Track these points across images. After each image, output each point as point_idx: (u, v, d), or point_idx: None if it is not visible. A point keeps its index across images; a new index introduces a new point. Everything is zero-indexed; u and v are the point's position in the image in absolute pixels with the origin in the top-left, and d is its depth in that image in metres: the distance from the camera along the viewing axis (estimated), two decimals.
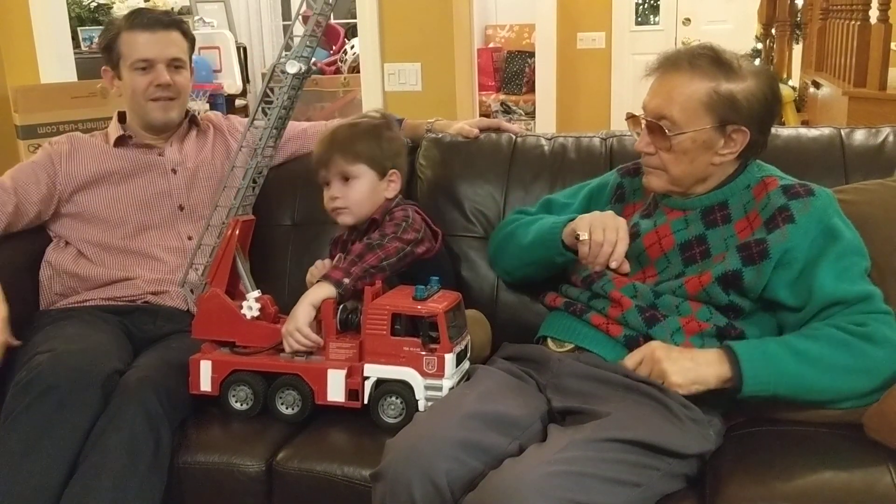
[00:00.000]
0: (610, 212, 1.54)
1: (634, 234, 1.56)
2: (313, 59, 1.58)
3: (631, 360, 1.42)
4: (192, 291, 1.73)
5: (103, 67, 1.94)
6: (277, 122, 1.60)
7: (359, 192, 1.69)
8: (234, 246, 1.61)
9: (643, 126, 1.50)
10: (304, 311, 1.52)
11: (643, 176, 1.57)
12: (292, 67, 1.52)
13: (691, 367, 1.36)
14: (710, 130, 1.44)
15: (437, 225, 1.76)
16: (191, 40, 1.94)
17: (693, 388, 1.36)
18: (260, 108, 1.59)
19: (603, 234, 1.47)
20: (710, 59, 1.45)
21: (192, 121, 2.01)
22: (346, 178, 1.69)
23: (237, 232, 1.62)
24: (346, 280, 1.52)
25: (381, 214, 1.70)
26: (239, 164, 1.65)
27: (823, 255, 1.40)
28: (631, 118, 1.56)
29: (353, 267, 1.53)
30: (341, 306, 1.55)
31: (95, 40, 4.44)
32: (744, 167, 1.51)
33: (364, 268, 1.53)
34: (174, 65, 1.89)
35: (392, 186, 1.73)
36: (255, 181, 1.65)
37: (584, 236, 1.48)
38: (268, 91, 1.58)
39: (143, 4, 4.57)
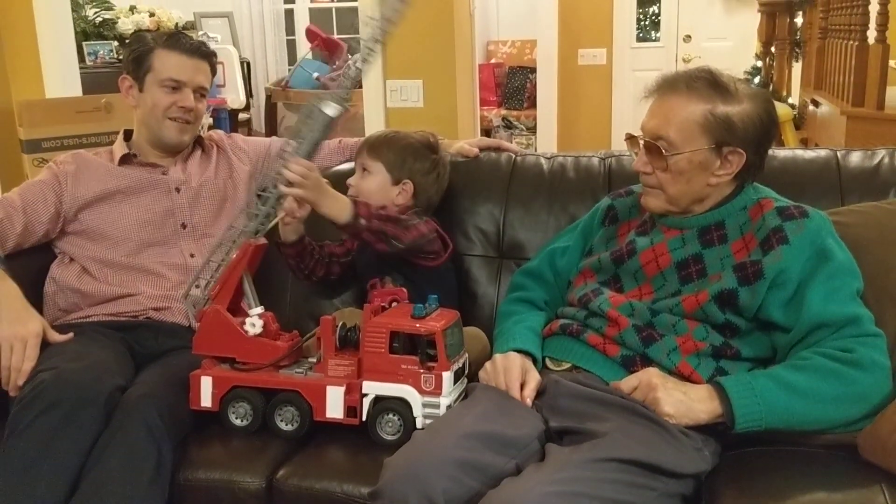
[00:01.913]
0: (501, 359, 1.54)
1: (630, 251, 1.58)
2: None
3: (627, 385, 1.43)
4: (193, 306, 1.73)
5: (122, 76, 1.97)
6: (306, 155, 1.60)
7: (369, 185, 1.85)
8: (242, 268, 1.62)
9: (641, 146, 1.52)
10: (324, 192, 1.63)
11: (641, 196, 1.59)
12: (330, 109, 1.52)
13: (684, 399, 1.37)
14: (706, 151, 1.46)
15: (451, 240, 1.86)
16: (214, 74, 2.01)
17: (684, 420, 1.36)
18: (290, 140, 1.58)
19: (504, 383, 1.49)
20: (707, 82, 1.47)
21: (196, 140, 2.04)
22: (364, 170, 1.87)
23: (248, 256, 1.62)
24: (363, 222, 1.65)
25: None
26: (258, 189, 1.63)
27: (814, 275, 1.41)
28: (629, 139, 1.58)
29: (375, 220, 1.67)
30: (340, 324, 1.56)
31: (100, 55, 4.48)
32: (740, 189, 1.53)
33: (380, 228, 1.67)
34: (199, 92, 1.95)
35: (402, 194, 1.85)
36: (273, 208, 1.65)
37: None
38: (300, 125, 1.57)
39: (147, 20, 4.60)
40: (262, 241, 1.65)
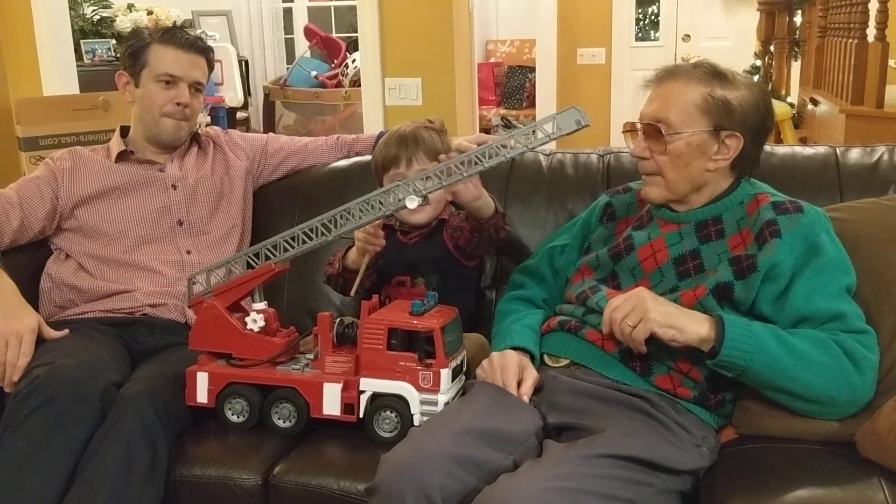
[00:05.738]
0: (498, 357, 1.53)
1: (628, 248, 1.57)
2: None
3: (617, 299, 1.42)
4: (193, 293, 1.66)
5: (119, 72, 1.96)
6: (366, 222, 1.55)
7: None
8: (256, 284, 1.60)
9: (640, 132, 1.53)
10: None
11: (641, 188, 1.59)
12: (412, 203, 1.49)
13: (674, 312, 1.37)
14: (704, 134, 1.47)
15: None
16: (211, 69, 2.00)
17: (669, 332, 1.35)
18: (359, 205, 1.52)
19: (501, 381, 1.48)
20: (707, 70, 1.50)
21: (193, 137, 2.03)
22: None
23: (267, 276, 1.59)
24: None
25: (448, 216, 1.79)
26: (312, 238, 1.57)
27: (802, 269, 1.41)
28: (628, 130, 1.58)
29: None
30: (338, 320, 1.56)
31: (98, 53, 4.47)
32: (737, 184, 1.53)
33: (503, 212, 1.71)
34: (195, 88, 1.94)
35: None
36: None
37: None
38: (376, 200, 1.52)
39: (145, 18, 4.60)
40: (286, 265, 1.62)
